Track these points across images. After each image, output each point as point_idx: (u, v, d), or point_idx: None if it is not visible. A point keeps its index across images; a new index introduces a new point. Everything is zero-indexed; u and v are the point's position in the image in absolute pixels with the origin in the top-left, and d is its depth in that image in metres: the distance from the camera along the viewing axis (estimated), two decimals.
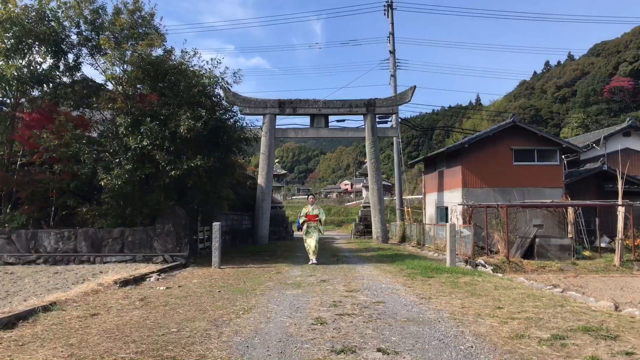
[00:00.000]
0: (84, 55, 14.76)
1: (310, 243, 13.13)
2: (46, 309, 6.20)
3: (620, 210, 16.31)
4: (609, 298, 8.89)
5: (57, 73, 14.42)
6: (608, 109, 70.37)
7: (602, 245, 18.80)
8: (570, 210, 19.38)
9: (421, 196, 32.10)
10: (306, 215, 13.50)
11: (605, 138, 25.38)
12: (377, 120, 25.65)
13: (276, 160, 30.62)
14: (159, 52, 14.41)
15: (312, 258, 12.96)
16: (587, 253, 17.57)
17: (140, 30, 14.34)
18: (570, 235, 18.52)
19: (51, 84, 14.37)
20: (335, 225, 52.87)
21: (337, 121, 26.06)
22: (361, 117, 25.33)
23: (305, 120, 25.50)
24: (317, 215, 13.48)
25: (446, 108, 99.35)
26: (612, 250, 16.98)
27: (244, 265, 12.65)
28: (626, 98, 69.02)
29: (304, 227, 13.35)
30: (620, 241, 15.62)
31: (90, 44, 14.48)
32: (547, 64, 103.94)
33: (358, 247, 21.06)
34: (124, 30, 13.98)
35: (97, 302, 6.97)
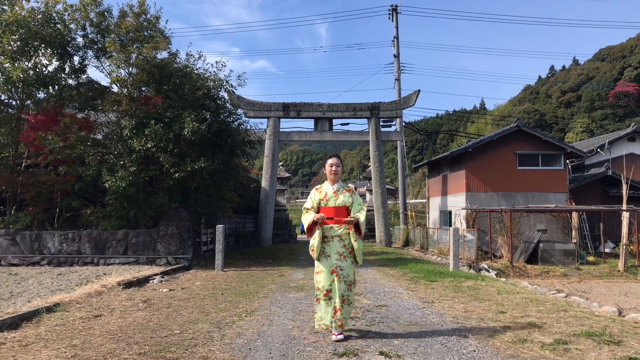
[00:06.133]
0: (89, 57, 14.87)
1: (334, 287, 4.96)
2: (50, 310, 6.23)
3: (625, 216, 16.24)
4: (613, 303, 8.84)
5: (63, 75, 14.50)
6: (613, 114, 70.04)
7: (607, 250, 18.70)
8: (574, 215, 19.32)
9: (425, 200, 32.03)
10: (319, 206, 5.18)
11: (610, 143, 25.29)
12: (381, 124, 25.74)
13: (280, 163, 30.60)
14: (164, 54, 14.51)
15: (331, 325, 4.96)
16: (591, 258, 17.49)
17: (146, 33, 14.40)
18: (574, 240, 18.43)
19: (57, 86, 14.45)
20: None
21: (341, 125, 26.23)
22: (365, 120, 25.44)
23: (310, 124, 25.65)
24: (345, 208, 5.10)
25: (450, 112, 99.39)
26: (617, 256, 16.89)
27: (247, 268, 12.67)
28: (631, 103, 68.68)
29: (316, 238, 5.03)
30: (624, 246, 15.55)
31: (95, 47, 14.57)
32: (552, 68, 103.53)
33: None
34: (130, 33, 14.03)
35: (100, 303, 6.99)
